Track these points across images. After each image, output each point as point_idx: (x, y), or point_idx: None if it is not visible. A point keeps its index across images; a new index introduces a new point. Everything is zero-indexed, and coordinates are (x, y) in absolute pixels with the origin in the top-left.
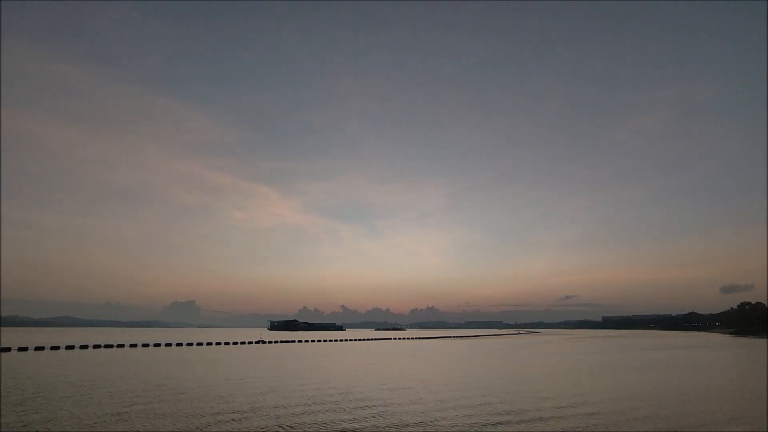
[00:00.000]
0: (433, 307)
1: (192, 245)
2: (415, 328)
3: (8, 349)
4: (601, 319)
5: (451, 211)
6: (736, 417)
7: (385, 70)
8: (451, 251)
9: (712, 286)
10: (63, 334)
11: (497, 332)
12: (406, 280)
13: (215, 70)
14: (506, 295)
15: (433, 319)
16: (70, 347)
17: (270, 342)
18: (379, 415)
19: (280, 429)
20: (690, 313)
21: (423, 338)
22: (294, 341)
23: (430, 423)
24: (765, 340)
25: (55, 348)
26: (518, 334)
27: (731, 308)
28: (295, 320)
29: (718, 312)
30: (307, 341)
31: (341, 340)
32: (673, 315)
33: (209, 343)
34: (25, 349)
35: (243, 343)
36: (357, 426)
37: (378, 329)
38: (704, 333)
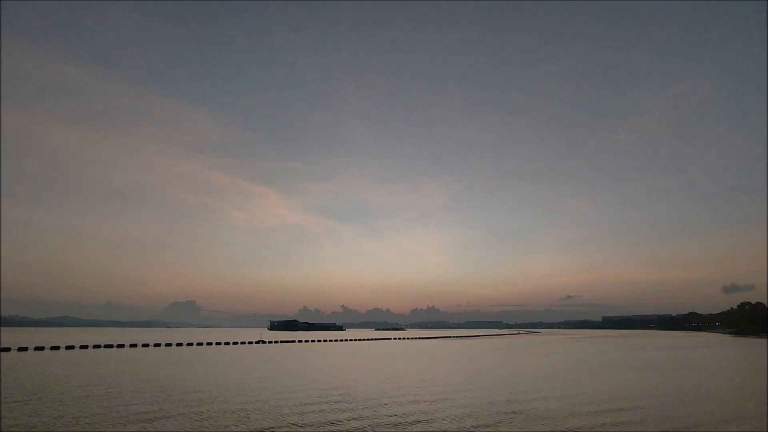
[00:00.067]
0: (433, 307)
1: (192, 245)
2: (415, 328)
3: (8, 349)
4: (601, 319)
5: (451, 211)
6: (736, 417)
7: (385, 70)
8: (451, 251)
9: (713, 286)
10: (63, 334)
11: (497, 332)
12: (406, 280)
13: (215, 70)
14: (506, 295)
15: (433, 319)
16: (70, 347)
17: (270, 342)
18: (380, 416)
19: (281, 429)
20: (690, 313)
21: (423, 338)
22: (294, 341)
23: (430, 423)
24: (765, 340)
25: (55, 348)
26: (518, 334)
27: (731, 308)
28: (295, 320)
29: (719, 312)
30: (307, 341)
31: (341, 340)
32: (674, 315)
33: (209, 343)
34: (25, 349)
35: (243, 343)
36: (358, 426)
37: (378, 329)
38: (704, 333)
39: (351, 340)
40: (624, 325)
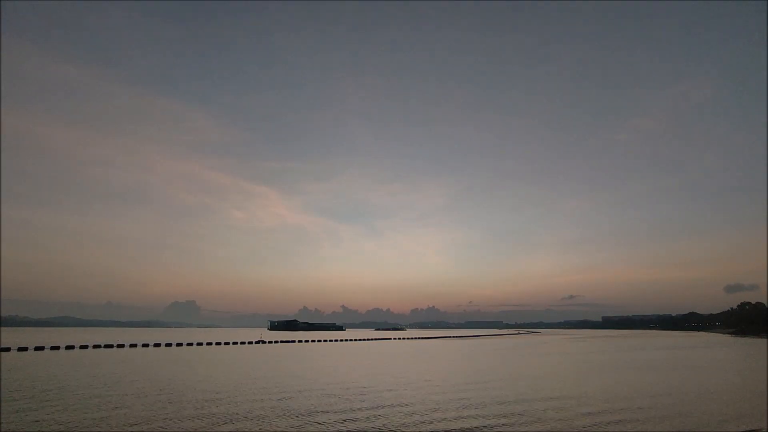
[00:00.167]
0: (433, 307)
1: (192, 245)
2: (415, 328)
3: (8, 349)
4: (601, 319)
5: (451, 211)
6: (736, 417)
7: (385, 70)
8: (451, 251)
9: (714, 286)
10: (63, 334)
11: (497, 332)
12: (407, 280)
13: (215, 70)
14: (506, 295)
15: (433, 319)
16: (70, 347)
17: (270, 342)
18: (380, 416)
19: (281, 429)
20: (690, 313)
21: (423, 338)
22: (294, 341)
23: (430, 423)
24: (765, 340)
25: (55, 348)
26: (518, 334)
27: (731, 308)
28: (295, 320)
29: (719, 312)
30: (307, 341)
31: (341, 340)
32: (674, 315)
33: (209, 343)
34: (24, 349)
35: (243, 343)
36: (358, 426)
37: (378, 329)
38: (704, 333)
39: (351, 340)
40: (624, 325)
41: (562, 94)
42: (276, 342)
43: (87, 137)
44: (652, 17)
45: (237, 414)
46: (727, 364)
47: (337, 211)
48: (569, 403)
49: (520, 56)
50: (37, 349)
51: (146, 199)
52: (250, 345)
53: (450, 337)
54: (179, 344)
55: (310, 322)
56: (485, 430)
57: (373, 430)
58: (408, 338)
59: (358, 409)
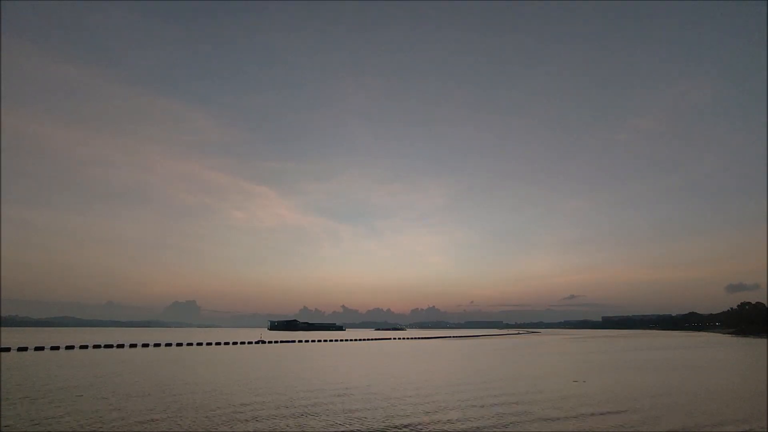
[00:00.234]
0: (433, 307)
1: (192, 245)
2: (416, 328)
3: (8, 349)
4: (601, 319)
5: (451, 211)
6: (736, 417)
7: (385, 70)
8: (451, 251)
9: (713, 286)
10: (63, 334)
11: (497, 332)
12: (407, 280)
13: (215, 70)
14: (506, 295)
15: (433, 319)
16: (70, 347)
17: (270, 342)
18: (380, 416)
19: (282, 429)
20: (690, 313)
21: (423, 338)
22: (294, 341)
23: (430, 423)
24: (765, 340)
25: (54, 348)
26: (518, 334)
27: (731, 308)
28: (295, 320)
29: (719, 312)
30: (307, 341)
31: (341, 340)
32: (673, 315)
33: (209, 343)
34: (24, 349)
35: (243, 343)
36: (359, 426)
37: (378, 329)
38: (704, 333)
39: (351, 340)
40: (624, 325)
41: (562, 94)
42: (276, 342)
43: (87, 137)
44: (652, 17)
45: (237, 414)
46: (727, 364)
47: (337, 211)
48: (570, 403)
49: (520, 56)
50: (37, 349)
51: (146, 199)
52: (250, 345)
53: (450, 337)
54: (179, 344)
55: (310, 322)
56: (486, 430)
57: (374, 430)
58: (408, 338)
59: (358, 409)
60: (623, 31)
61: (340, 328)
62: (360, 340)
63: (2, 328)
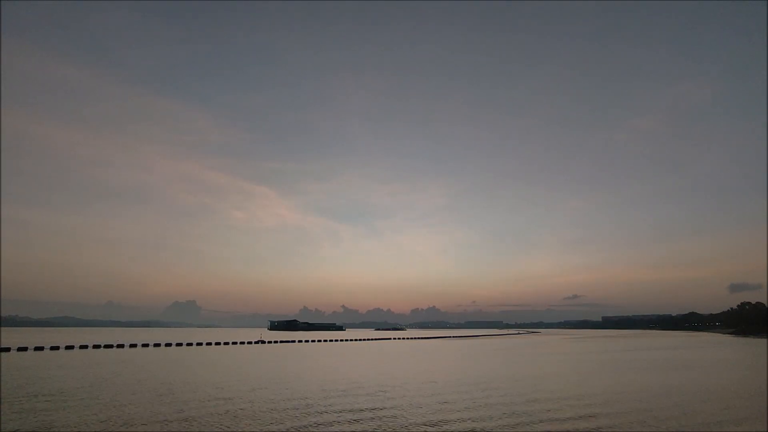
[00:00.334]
0: (433, 307)
1: (192, 245)
2: (416, 328)
3: (8, 349)
4: (601, 319)
5: (452, 211)
6: (736, 417)
7: (385, 70)
8: (451, 251)
9: (713, 286)
10: (63, 334)
11: (497, 332)
12: (407, 280)
13: (215, 70)
14: (506, 295)
15: (433, 319)
16: (69, 347)
17: (270, 342)
18: (380, 416)
19: (282, 429)
20: (690, 313)
21: (423, 338)
22: (294, 341)
23: (430, 423)
24: (765, 340)
25: (54, 348)
26: (518, 334)
27: (731, 308)
28: (295, 320)
29: (719, 312)
30: (307, 341)
31: (341, 340)
32: (674, 315)
33: (209, 343)
34: (24, 349)
35: (243, 343)
36: (359, 426)
37: (378, 329)
38: (704, 333)
39: (351, 340)
40: (624, 325)
41: (563, 94)
42: (276, 342)
43: (87, 137)
44: (652, 17)
45: (236, 414)
46: (727, 364)
47: (337, 211)
48: (569, 403)
49: (520, 55)
50: (36, 349)
51: (146, 199)
52: (250, 345)
53: (450, 337)
54: (179, 344)
55: (310, 322)
56: (486, 430)
57: (374, 430)
58: (408, 338)
59: (358, 409)
60: (623, 31)
61: (340, 328)
62: (360, 340)
63: (2, 328)
